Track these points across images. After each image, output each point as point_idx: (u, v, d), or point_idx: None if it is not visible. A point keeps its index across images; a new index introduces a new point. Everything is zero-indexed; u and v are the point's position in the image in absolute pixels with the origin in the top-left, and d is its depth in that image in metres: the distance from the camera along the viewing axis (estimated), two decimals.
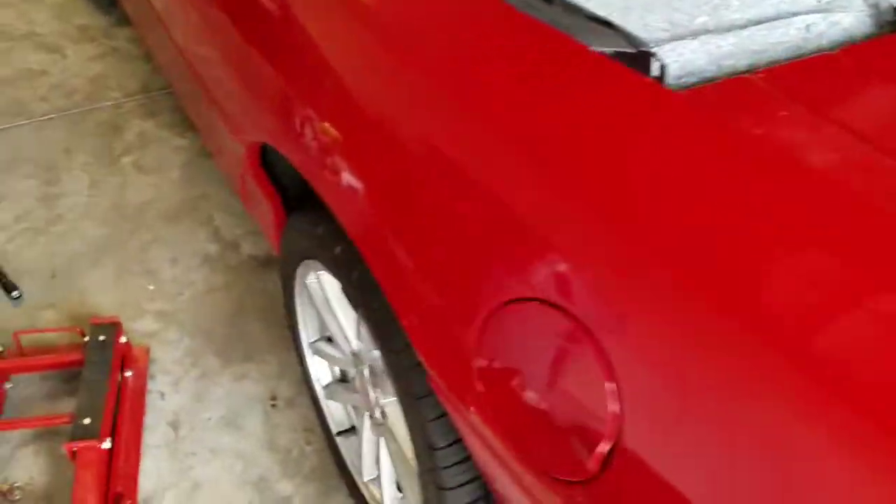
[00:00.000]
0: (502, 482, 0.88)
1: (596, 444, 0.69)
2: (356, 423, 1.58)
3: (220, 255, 2.20)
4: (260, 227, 1.77)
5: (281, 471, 1.64)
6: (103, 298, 2.01)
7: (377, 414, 1.35)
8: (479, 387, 0.81)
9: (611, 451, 0.69)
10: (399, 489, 1.40)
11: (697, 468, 0.65)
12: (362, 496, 1.51)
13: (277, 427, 1.73)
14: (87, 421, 1.51)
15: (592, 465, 0.70)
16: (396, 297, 0.94)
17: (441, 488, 1.06)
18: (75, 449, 1.47)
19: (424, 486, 1.12)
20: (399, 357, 1.05)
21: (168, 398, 1.77)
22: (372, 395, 1.33)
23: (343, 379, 1.61)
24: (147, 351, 1.85)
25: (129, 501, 1.52)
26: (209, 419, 1.73)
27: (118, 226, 2.26)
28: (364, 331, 1.25)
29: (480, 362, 0.80)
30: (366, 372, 1.33)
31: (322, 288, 1.35)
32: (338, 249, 1.14)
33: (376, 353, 1.30)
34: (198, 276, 2.12)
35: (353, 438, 1.58)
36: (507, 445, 0.80)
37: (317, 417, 1.69)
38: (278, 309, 2.03)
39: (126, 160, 2.51)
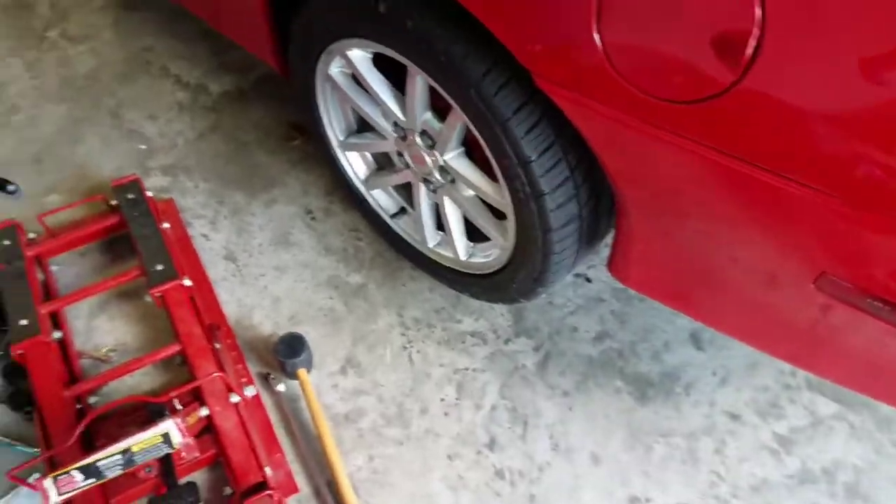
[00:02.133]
0: (623, 145, 1.01)
1: (741, 48, 0.80)
2: (404, 202, 1.68)
3: (193, 101, 2.15)
4: (246, 47, 1.74)
5: (345, 268, 1.75)
6: (102, 169, 1.97)
7: (436, 176, 1.44)
8: (610, 53, 0.91)
9: (750, 59, 0.81)
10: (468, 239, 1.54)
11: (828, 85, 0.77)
12: (431, 263, 1.64)
13: (325, 235, 1.82)
14: (159, 267, 1.56)
15: (736, 67, 0.82)
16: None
17: (539, 195, 1.18)
18: (160, 293, 1.54)
19: (520, 204, 1.24)
20: (481, 87, 1.11)
21: (212, 238, 1.82)
22: (428, 159, 1.42)
23: (380, 168, 1.69)
24: (172, 202, 1.86)
25: (225, 328, 1.62)
26: (260, 245, 1.80)
27: (77, 99, 2.15)
28: (417, 88, 1.29)
29: (608, 28, 0.90)
30: (418, 139, 1.40)
31: (353, 66, 1.37)
32: (382, 7, 1.17)
33: (428, 115, 1.37)
34: (181, 125, 2.08)
35: (405, 218, 1.69)
36: (643, 93, 0.92)
37: (360, 215, 1.78)
38: (273, 137, 2.04)
39: (52, 34, 2.33)
